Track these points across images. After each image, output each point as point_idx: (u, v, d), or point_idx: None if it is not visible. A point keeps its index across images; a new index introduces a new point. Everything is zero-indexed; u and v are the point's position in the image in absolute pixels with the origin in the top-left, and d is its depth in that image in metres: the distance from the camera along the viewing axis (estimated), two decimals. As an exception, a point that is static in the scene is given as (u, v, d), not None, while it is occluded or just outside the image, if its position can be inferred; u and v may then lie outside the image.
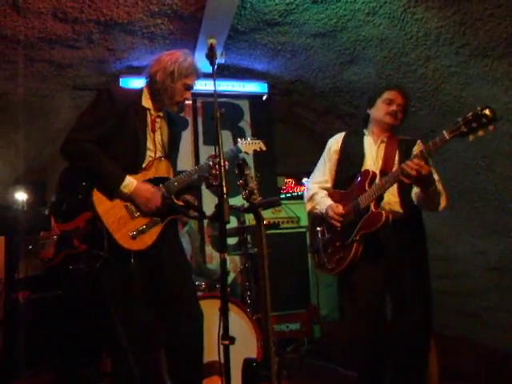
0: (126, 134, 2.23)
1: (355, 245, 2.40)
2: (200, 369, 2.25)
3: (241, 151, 2.56)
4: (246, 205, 1.66)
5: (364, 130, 2.72)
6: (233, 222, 3.89)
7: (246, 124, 4.71)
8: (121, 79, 4.42)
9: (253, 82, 4.79)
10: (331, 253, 2.57)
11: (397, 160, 2.51)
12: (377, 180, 2.45)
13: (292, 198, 5.19)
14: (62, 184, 3.97)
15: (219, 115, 1.88)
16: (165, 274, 2.22)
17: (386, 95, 2.61)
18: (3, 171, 5.21)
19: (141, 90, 2.38)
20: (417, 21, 3.39)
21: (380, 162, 2.54)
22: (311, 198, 2.75)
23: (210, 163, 2.25)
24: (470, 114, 2.01)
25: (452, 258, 4.66)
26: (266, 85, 4.82)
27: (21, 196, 4.88)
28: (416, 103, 4.03)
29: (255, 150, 2.64)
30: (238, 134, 4.42)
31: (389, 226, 2.30)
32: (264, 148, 2.68)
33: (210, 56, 2.03)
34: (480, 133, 2.00)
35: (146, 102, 2.34)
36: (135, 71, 4.40)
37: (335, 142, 2.75)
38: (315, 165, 2.88)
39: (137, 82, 4.39)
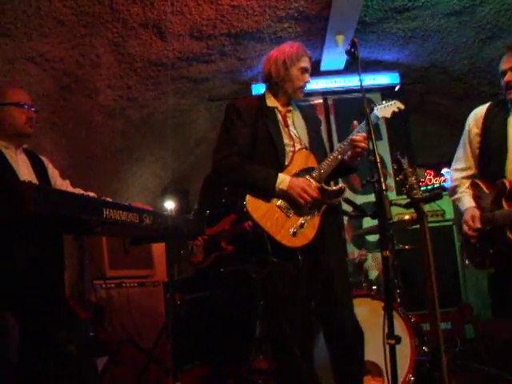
0: (262, 138, 2.26)
1: (492, 257, 2.28)
2: (361, 367, 2.21)
3: (378, 118, 2.38)
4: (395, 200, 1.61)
5: (509, 105, 2.38)
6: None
7: (379, 117, 4.58)
8: (252, 86, 4.57)
9: (383, 74, 4.64)
10: (472, 250, 2.43)
11: None
12: None
13: (432, 190, 4.90)
14: (204, 191, 4.26)
15: (369, 111, 1.83)
16: (327, 265, 2.18)
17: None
18: (152, 183, 5.74)
19: (263, 94, 2.41)
20: None
21: None
22: (453, 191, 2.57)
23: (354, 137, 2.19)
24: None
25: None
26: (397, 75, 4.63)
27: (169, 205, 5.31)
28: None
29: (394, 112, 2.40)
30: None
31: None
32: (402, 106, 2.43)
33: (353, 52, 1.98)
34: None
35: (271, 101, 2.36)
36: (266, 77, 4.54)
37: (475, 122, 2.48)
38: (455, 154, 2.66)
39: (268, 88, 4.52)
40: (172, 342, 2.79)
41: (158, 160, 5.41)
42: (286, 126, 2.31)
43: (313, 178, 2.20)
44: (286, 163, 2.24)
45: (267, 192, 2.17)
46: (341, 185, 2.22)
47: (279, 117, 2.32)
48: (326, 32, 3.91)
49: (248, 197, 2.18)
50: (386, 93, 4.67)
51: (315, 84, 4.47)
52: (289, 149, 2.27)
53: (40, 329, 1.92)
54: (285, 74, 2.28)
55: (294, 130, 2.33)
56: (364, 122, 2.32)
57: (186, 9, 3.46)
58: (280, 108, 2.35)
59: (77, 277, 3.75)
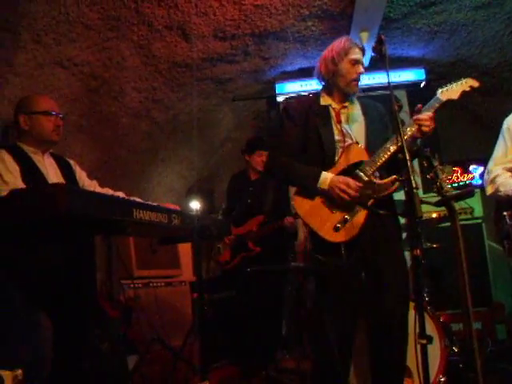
0: (312, 136, 2.29)
1: None
2: (403, 370, 2.16)
3: (442, 101, 2.24)
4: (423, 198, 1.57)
5: None
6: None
7: (405, 114, 4.48)
8: (276, 85, 4.57)
9: (409, 70, 4.56)
10: None
11: None
12: None
13: (460, 187, 4.80)
14: (231, 191, 4.27)
15: (397, 108, 1.81)
16: (376, 263, 2.14)
17: None
18: (177, 183, 5.78)
19: (318, 93, 2.43)
20: None
21: None
22: (492, 181, 2.55)
23: (419, 116, 2.14)
24: None
25: None
26: (422, 71, 4.55)
27: (194, 205, 5.33)
28: None
29: (464, 92, 2.25)
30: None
31: None
32: (476, 84, 2.27)
33: (379, 49, 1.96)
34: None
35: (325, 100, 2.37)
36: (289, 76, 4.54)
37: None
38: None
39: (292, 86, 4.51)
40: (200, 342, 2.81)
41: (183, 160, 5.46)
42: (339, 122, 2.31)
43: (363, 172, 2.18)
44: (336, 159, 2.24)
45: (310, 191, 2.21)
46: (393, 176, 2.13)
47: (332, 114, 2.33)
48: (350, 29, 3.87)
49: (295, 195, 2.28)
50: (412, 89, 4.61)
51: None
52: (339, 145, 2.27)
53: (74, 328, 1.96)
54: (335, 70, 2.28)
55: (347, 126, 2.31)
56: (428, 104, 2.25)
57: (209, 10, 3.48)
58: (334, 105, 2.35)
59: (105, 276, 3.81)
